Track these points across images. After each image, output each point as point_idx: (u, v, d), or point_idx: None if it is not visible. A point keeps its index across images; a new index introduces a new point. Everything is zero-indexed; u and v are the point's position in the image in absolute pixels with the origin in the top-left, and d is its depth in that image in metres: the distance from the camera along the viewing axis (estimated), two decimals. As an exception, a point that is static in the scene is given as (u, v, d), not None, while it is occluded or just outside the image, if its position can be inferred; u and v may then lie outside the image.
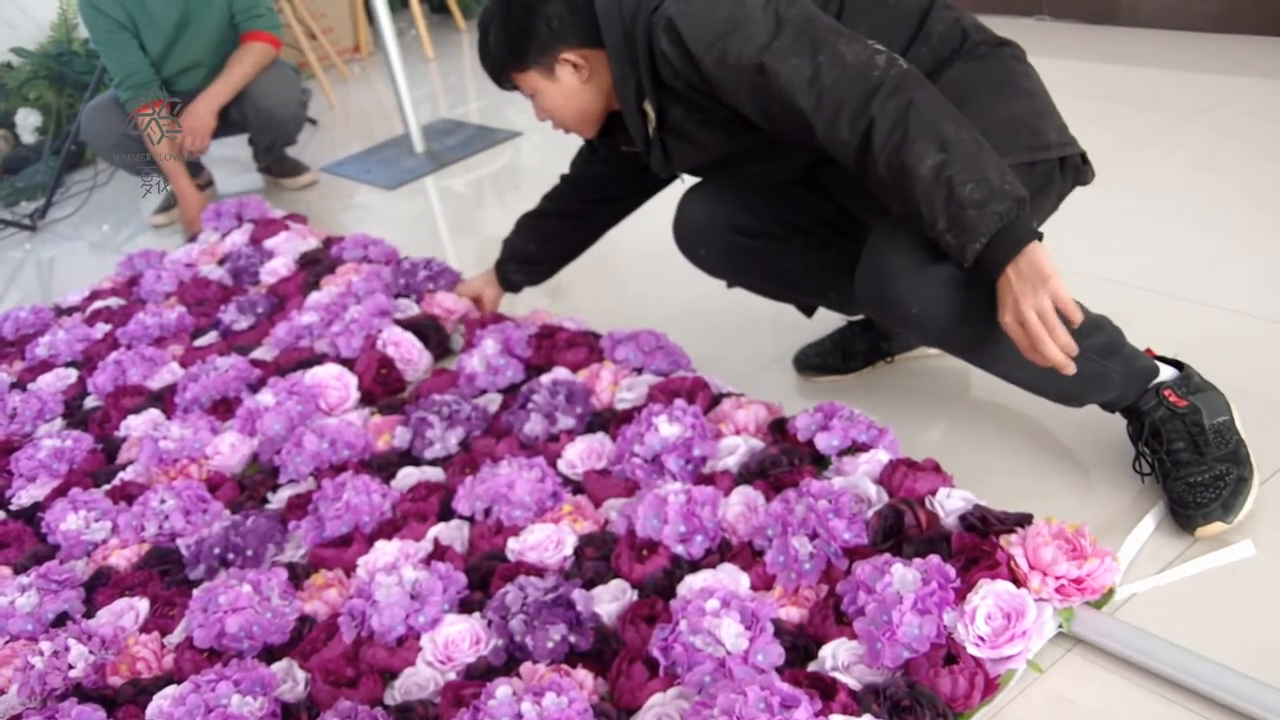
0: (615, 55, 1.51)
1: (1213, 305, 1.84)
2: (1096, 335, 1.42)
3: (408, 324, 2.20)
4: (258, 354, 2.32)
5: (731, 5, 1.40)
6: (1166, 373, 1.48)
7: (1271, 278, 1.89)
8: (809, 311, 1.88)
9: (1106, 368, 1.42)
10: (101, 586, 1.70)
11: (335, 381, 2.05)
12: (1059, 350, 1.28)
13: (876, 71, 1.32)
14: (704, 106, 1.48)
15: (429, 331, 2.18)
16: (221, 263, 2.85)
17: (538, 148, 3.44)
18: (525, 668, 1.33)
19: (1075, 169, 1.51)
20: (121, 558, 1.76)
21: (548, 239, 2.04)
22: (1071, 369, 1.30)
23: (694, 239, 1.76)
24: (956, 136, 1.30)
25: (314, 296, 2.47)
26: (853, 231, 1.65)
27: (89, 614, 1.65)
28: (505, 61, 1.60)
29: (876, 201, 1.40)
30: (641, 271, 2.43)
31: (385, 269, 2.46)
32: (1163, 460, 1.42)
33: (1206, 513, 1.36)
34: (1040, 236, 1.29)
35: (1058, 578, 1.25)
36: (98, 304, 2.79)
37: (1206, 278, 1.93)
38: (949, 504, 1.41)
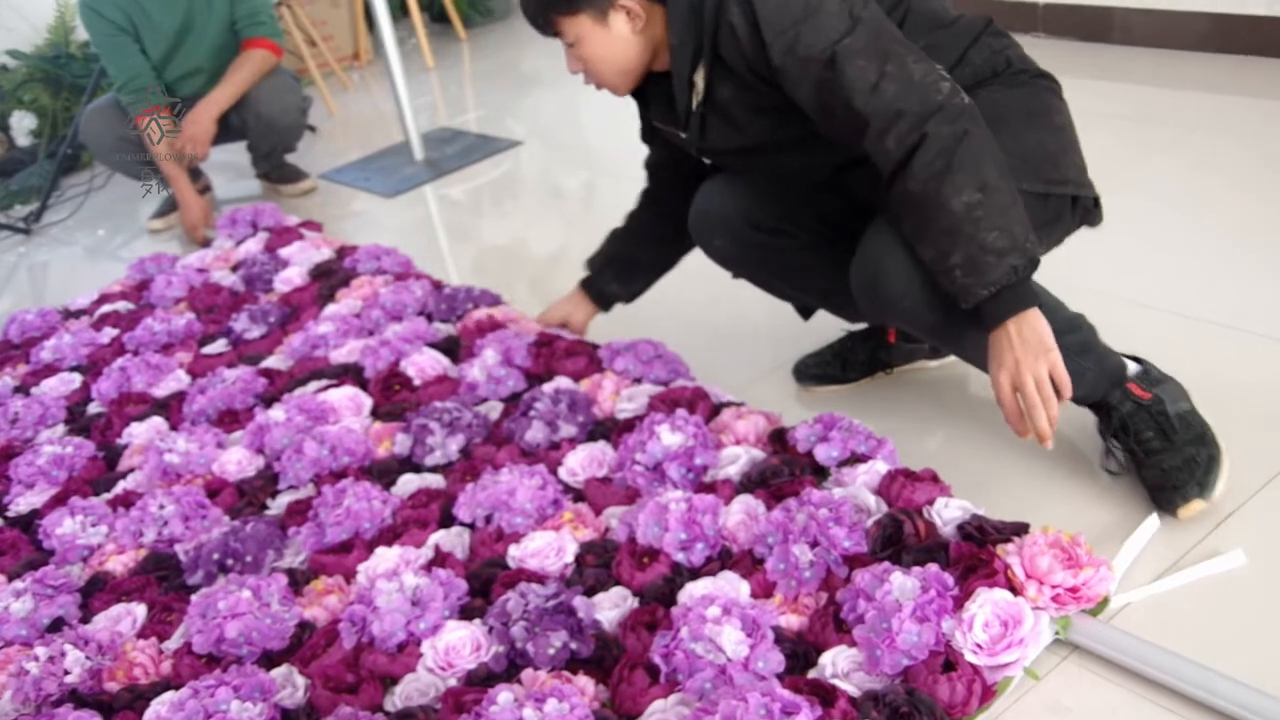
0: (677, 17, 1.48)
1: (1200, 319, 1.86)
2: (1074, 334, 1.46)
3: (439, 344, 2.18)
4: (269, 363, 2.30)
5: None
6: (1129, 368, 1.53)
7: (1259, 293, 1.91)
8: (806, 314, 1.89)
9: (1082, 366, 1.46)
10: (98, 592, 1.69)
11: (349, 403, 2.04)
12: (1047, 423, 1.33)
13: (940, 95, 1.35)
14: (756, 89, 1.47)
15: (459, 349, 2.16)
16: (235, 269, 2.85)
17: (536, 157, 3.45)
18: (526, 674, 1.34)
19: (1085, 210, 1.55)
20: (118, 563, 1.76)
21: (646, 242, 1.94)
22: (1051, 444, 1.35)
23: (710, 229, 1.75)
24: (996, 183, 1.32)
25: (331, 308, 2.46)
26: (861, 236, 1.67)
27: (85, 619, 1.64)
28: (553, 2, 1.53)
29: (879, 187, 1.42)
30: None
31: (415, 283, 2.43)
32: (1134, 451, 1.48)
33: (1185, 493, 1.41)
34: (1040, 304, 1.34)
35: (1054, 586, 1.26)
36: (106, 308, 2.77)
37: (1194, 291, 1.95)
38: (946, 513, 1.42)
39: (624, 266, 1.97)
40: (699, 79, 1.51)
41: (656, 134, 1.77)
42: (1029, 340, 1.32)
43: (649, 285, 1.99)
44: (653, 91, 1.64)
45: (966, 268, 1.32)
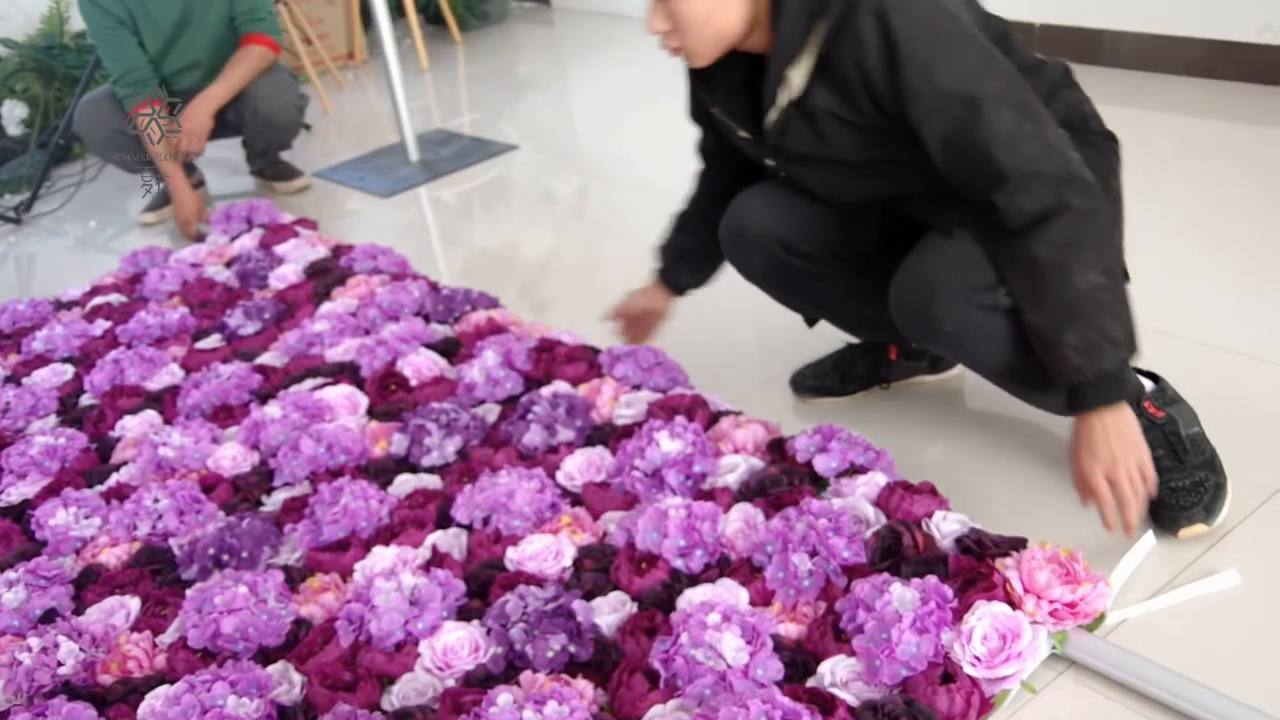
0: (797, 9, 1.38)
1: (1191, 339, 1.88)
2: None
3: (436, 345, 2.19)
4: (264, 360, 2.30)
5: (947, 19, 1.35)
6: (1146, 386, 1.55)
7: (1249, 315, 1.94)
8: (811, 322, 1.88)
9: None
10: (91, 584, 1.68)
11: (345, 401, 2.04)
12: (1136, 516, 1.36)
13: (1072, 164, 1.34)
14: (858, 103, 1.40)
15: (456, 349, 2.17)
16: (229, 265, 2.83)
17: (531, 162, 3.46)
18: (524, 676, 1.35)
19: None
20: (111, 555, 1.75)
21: (709, 231, 1.81)
22: (1133, 532, 1.38)
23: (742, 244, 1.72)
24: (1116, 270, 1.35)
25: (327, 306, 2.45)
26: (887, 268, 1.63)
27: (78, 611, 1.64)
28: None
29: (949, 215, 1.43)
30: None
31: (412, 283, 2.43)
32: None
33: (1190, 515, 1.43)
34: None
35: (1052, 601, 1.28)
36: (98, 300, 2.75)
37: (1185, 313, 1.97)
38: (945, 526, 1.44)
39: (691, 258, 1.89)
40: (797, 76, 1.42)
41: (707, 118, 1.68)
42: (1125, 435, 1.35)
43: (717, 269, 1.89)
44: (719, 75, 1.53)
45: (1082, 349, 1.33)
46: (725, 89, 1.55)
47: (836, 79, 1.39)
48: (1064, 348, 1.34)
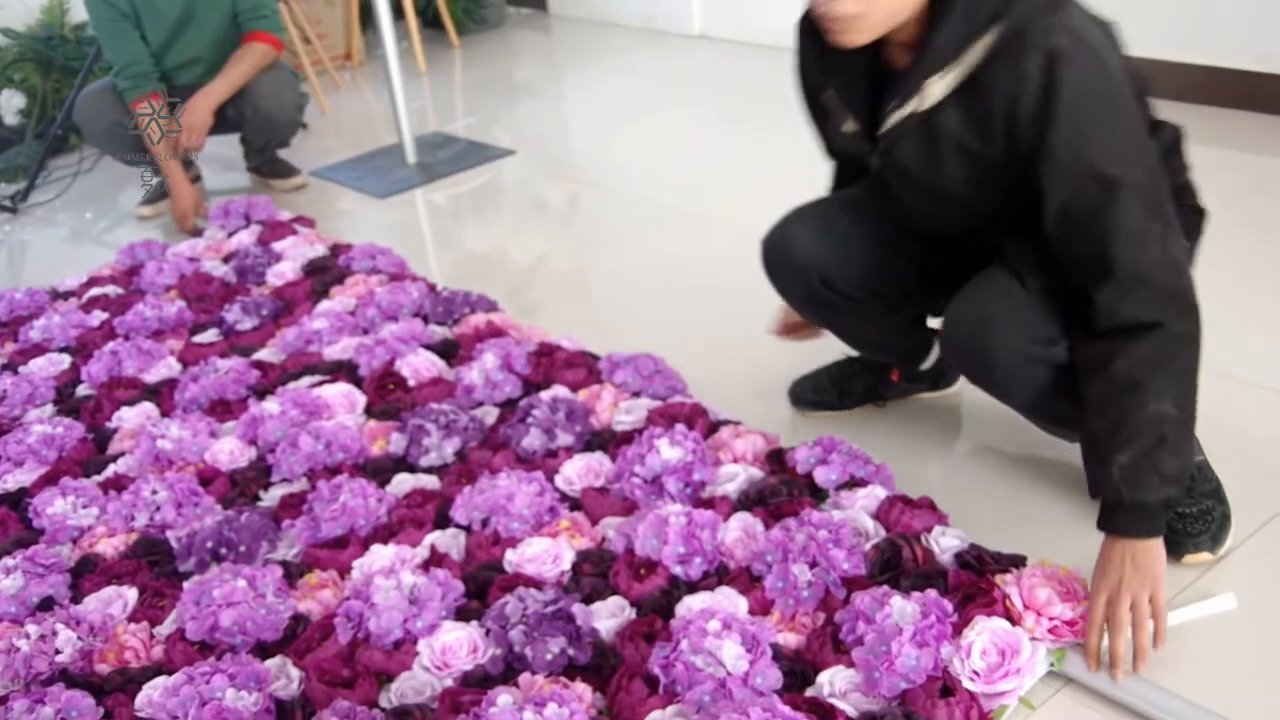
0: (963, 14, 1.28)
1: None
2: None
3: (434, 346, 2.19)
4: (261, 355, 2.29)
5: (1112, 85, 1.27)
6: None
7: (1243, 341, 1.96)
8: None
9: None
10: (88, 574, 1.68)
11: (343, 399, 2.04)
12: (1124, 646, 1.26)
13: (1183, 282, 1.29)
14: (991, 136, 1.33)
15: (454, 351, 2.18)
16: (226, 260, 2.83)
17: (528, 167, 3.46)
18: (523, 678, 1.35)
19: None
20: (109, 546, 1.74)
21: None
22: (1122, 675, 1.26)
23: (783, 268, 1.67)
24: (1190, 406, 1.29)
25: (325, 305, 2.45)
26: (922, 303, 1.63)
27: (75, 600, 1.63)
28: None
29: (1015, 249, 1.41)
30: (635, 299, 2.46)
31: (411, 284, 2.43)
32: None
33: (1197, 543, 1.45)
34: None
35: (1051, 618, 1.29)
36: (95, 291, 2.74)
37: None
38: (944, 541, 1.45)
39: None
40: (937, 88, 1.33)
41: (817, 108, 1.58)
42: (1141, 565, 1.27)
43: None
44: (842, 60, 1.41)
45: (1129, 471, 1.27)
46: (846, 75, 1.44)
47: (977, 104, 1.31)
48: (1112, 465, 1.27)
